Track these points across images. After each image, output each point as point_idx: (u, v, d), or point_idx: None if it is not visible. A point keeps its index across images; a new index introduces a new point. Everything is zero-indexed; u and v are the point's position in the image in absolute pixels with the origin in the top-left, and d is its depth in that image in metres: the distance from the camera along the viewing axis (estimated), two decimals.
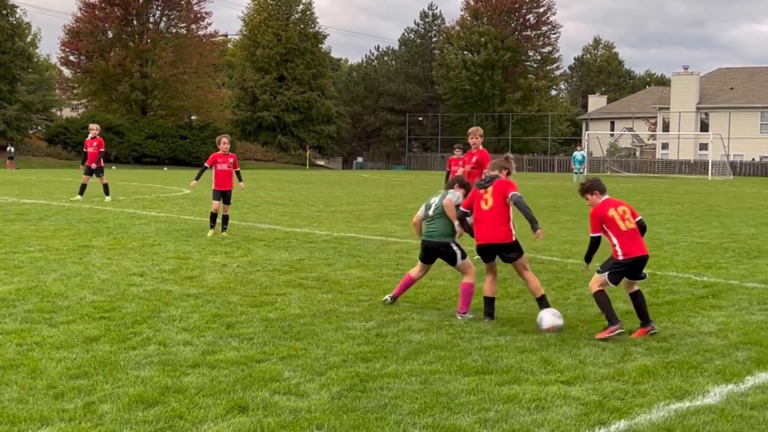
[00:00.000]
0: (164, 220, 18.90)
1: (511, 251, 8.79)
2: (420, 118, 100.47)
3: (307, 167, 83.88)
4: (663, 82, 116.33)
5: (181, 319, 8.47)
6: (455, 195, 9.29)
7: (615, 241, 8.18)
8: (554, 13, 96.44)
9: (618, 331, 7.83)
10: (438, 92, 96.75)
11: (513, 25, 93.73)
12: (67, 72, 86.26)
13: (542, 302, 8.71)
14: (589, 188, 8.50)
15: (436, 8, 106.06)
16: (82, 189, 24.97)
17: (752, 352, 7.57)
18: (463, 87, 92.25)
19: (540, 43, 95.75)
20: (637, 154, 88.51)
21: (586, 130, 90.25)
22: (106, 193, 24.99)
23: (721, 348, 7.69)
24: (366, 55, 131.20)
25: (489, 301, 8.81)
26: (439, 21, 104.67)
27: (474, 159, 13.90)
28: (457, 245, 9.14)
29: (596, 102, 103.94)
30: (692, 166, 75.50)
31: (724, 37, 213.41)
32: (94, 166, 25.00)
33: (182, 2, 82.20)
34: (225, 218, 16.10)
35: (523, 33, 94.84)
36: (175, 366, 6.73)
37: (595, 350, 7.48)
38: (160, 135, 78.62)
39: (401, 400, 6.00)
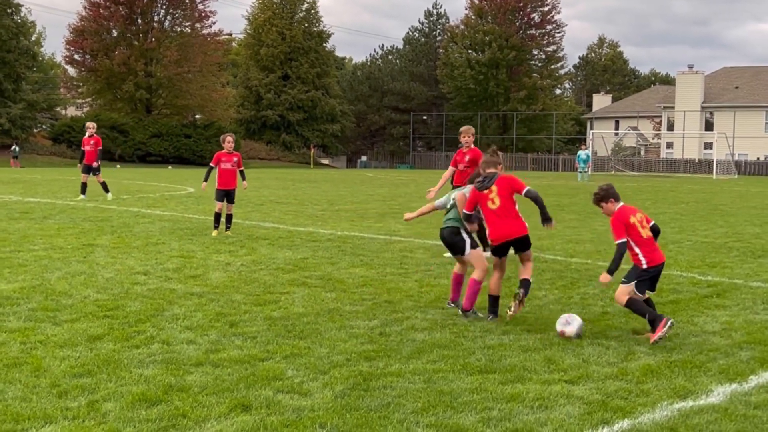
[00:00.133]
0: (168, 219, 18.91)
1: (528, 241, 8.79)
2: (424, 117, 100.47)
3: (311, 166, 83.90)
4: (668, 81, 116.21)
5: (184, 317, 8.48)
6: (464, 195, 9.20)
7: (637, 249, 8.05)
8: (559, 12, 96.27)
9: (669, 324, 7.74)
10: (442, 91, 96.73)
11: (517, 23, 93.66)
12: (71, 71, 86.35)
13: (524, 283, 8.69)
14: (604, 196, 8.29)
15: (441, 7, 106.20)
16: (84, 188, 25.00)
17: (756, 351, 7.56)
18: (468, 86, 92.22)
19: (544, 41, 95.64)
20: (642, 153, 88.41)
21: (591, 129, 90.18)
22: (106, 190, 25.01)
23: (725, 347, 7.68)
24: (370, 54, 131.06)
25: (494, 300, 8.77)
26: (443, 20, 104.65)
27: (467, 158, 13.89)
28: (469, 234, 9.03)
29: (601, 101, 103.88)
30: (697, 165, 75.41)
31: (728, 36, 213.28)
32: (95, 164, 25.03)
33: (187, 1, 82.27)
34: (229, 217, 16.11)
35: (528, 32, 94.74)
36: (178, 364, 6.73)
37: (599, 349, 7.48)
38: (165, 134, 78.71)
39: (404, 399, 6.00)
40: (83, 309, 8.77)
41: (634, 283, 8.02)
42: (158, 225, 17.48)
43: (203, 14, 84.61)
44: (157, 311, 8.75)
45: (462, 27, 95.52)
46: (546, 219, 8.75)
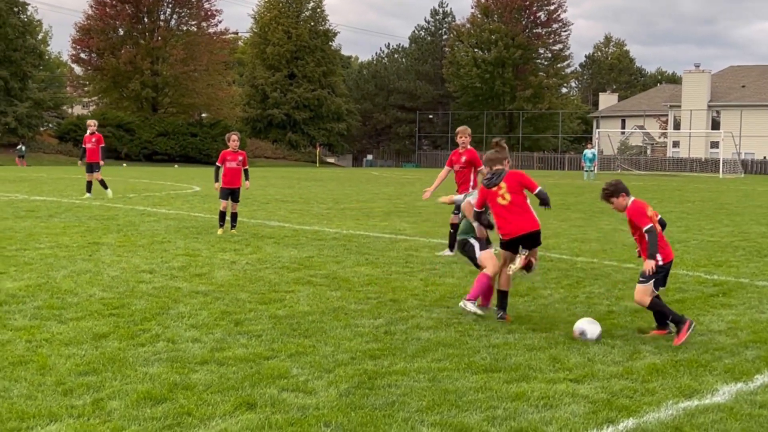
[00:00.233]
0: (174, 218, 18.94)
1: (539, 238, 8.64)
2: (430, 116, 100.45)
3: (317, 165, 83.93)
4: (674, 80, 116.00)
5: (189, 316, 8.48)
6: (475, 196, 9.15)
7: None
8: (565, 11, 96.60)
9: (693, 326, 7.72)
10: (448, 90, 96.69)
11: (524, 22, 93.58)
12: (78, 69, 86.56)
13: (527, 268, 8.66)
14: (614, 191, 8.14)
15: (447, 6, 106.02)
16: (89, 186, 25.04)
17: (762, 350, 7.54)
18: (474, 85, 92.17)
19: (551, 40, 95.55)
20: (648, 152, 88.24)
21: (597, 128, 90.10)
22: (105, 187, 25.05)
23: (731, 346, 7.66)
24: (376, 53, 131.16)
25: (503, 295, 8.68)
26: (449, 18, 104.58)
27: (463, 159, 13.87)
28: (476, 238, 8.99)
29: (607, 100, 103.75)
30: (703, 164, 75.27)
31: (735, 35, 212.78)
32: (102, 163, 25.08)
33: (193, 0, 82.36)
34: (234, 216, 16.12)
35: (534, 30, 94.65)
36: (183, 363, 6.74)
37: (604, 348, 7.46)
38: (171, 132, 78.83)
39: (409, 397, 5.99)
40: (89, 307, 8.78)
41: (653, 281, 7.91)
42: (164, 223, 17.50)
43: (209, 13, 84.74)
44: (162, 309, 8.76)
45: (468, 26, 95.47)
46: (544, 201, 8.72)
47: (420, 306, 9.27)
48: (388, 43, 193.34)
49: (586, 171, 52.59)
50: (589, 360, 7.10)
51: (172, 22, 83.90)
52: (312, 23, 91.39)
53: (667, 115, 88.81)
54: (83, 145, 25.58)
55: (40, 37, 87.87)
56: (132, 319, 8.26)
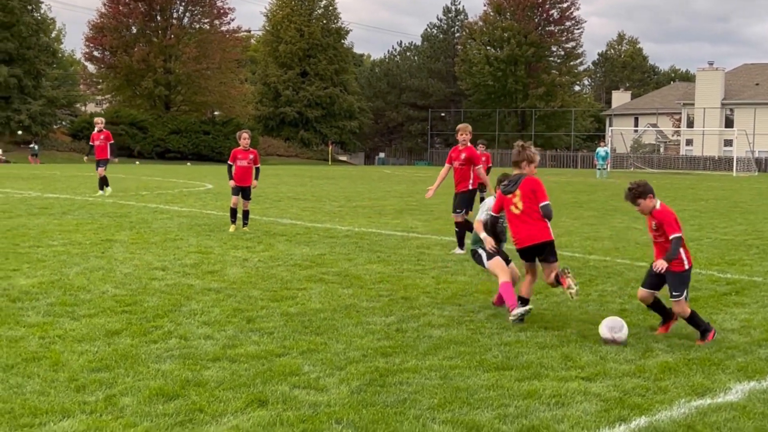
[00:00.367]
0: (186, 215, 18.98)
1: (551, 250, 8.40)
2: (442, 114, 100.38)
3: (329, 163, 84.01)
4: (687, 77, 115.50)
5: (202, 313, 8.50)
6: (488, 209, 8.99)
7: (681, 249, 7.81)
8: (578, 9, 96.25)
9: (714, 336, 7.72)
10: (461, 88, 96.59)
11: (536, 20, 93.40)
12: (91, 67, 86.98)
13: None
14: (643, 192, 7.83)
15: (459, 3, 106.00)
16: (101, 183, 25.12)
17: None
18: (486, 82, 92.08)
19: (563, 38, 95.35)
20: (661, 150, 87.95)
21: (610, 126, 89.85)
22: (106, 184, 25.09)
23: (744, 345, 7.63)
24: (388, 51, 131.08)
25: (523, 301, 8.49)
26: (462, 16, 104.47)
27: (462, 156, 13.85)
28: (484, 248, 8.87)
29: (620, 98, 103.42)
30: (717, 162, 74.92)
31: (748, 33, 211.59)
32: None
33: None
34: (245, 213, 16.15)
35: (547, 28, 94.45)
36: (195, 360, 6.76)
37: (616, 347, 7.44)
38: (184, 130, 79.06)
39: (421, 395, 5.99)
40: (101, 304, 8.81)
41: (684, 293, 7.80)
42: (176, 221, 17.54)
43: (222, 11, 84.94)
44: (174, 306, 8.78)
45: (480, 23, 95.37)
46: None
47: (432, 304, 9.27)
48: (401, 41, 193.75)
49: (599, 169, 52.43)
50: (601, 358, 7.08)
51: (185, 20, 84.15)
52: (324, 21, 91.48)
53: (680, 113, 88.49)
54: (91, 143, 25.67)
55: (53, 35, 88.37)
56: (144, 316, 8.29)
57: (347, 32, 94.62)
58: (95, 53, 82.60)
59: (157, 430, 5.21)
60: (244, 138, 16.17)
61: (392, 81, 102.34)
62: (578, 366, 6.82)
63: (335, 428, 5.31)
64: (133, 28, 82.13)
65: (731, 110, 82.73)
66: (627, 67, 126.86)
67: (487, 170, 21.19)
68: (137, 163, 67.48)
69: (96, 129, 25.52)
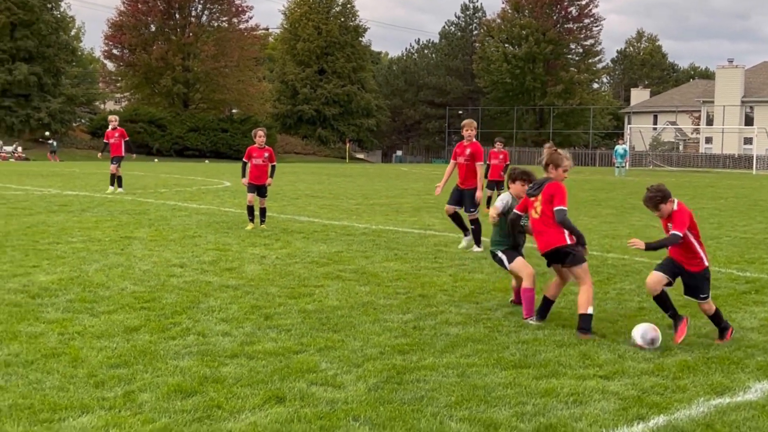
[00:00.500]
0: (205, 212, 19.05)
1: (567, 254, 8.10)
2: (460, 112, 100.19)
3: (347, 160, 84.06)
4: (707, 75, 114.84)
5: (220, 310, 8.53)
6: (501, 201, 8.97)
7: (699, 248, 7.70)
8: (596, 6, 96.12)
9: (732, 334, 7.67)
10: (478, 85, 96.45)
11: (555, 17, 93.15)
12: (110, 65, 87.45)
13: (583, 319, 7.83)
14: (664, 197, 7.64)
15: (477, 1, 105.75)
16: (119, 181, 25.23)
17: None
18: (504, 80, 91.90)
19: (582, 35, 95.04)
20: (681, 148, 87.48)
21: (629, 123, 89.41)
22: (112, 183, 25.20)
23: (763, 344, 7.58)
24: (406, 48, 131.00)
25: (546, 301, 8.39)
26: (480, 14, 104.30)
27: (467, 151, 13.84)
28: (504, 251, 8.74)
29: (639, 95, 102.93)
30: (736, 160, 74.46)
31: None
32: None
33: None
34: (262, 211, 16.17)
35: (565, 26, 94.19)
36: (213, 356, 6.78)
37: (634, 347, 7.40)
38: (202, 128, 79.32)
39: (438, 392, 5.99)
40: (120, 301, 8.85)
41: (710, 294, 7.74)
42: (195, 218, 17.60)
43: (240, 9, 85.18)
44: (193, 303, 8.81)
45: (499, 21, 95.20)
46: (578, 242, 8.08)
47: (449, 301, 9.26)
48: (418, 39, 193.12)
49: (618, 167, 52.24)
50: (619, 357, 7.05)
51: (204, 18, 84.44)
52: (342, 19, 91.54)
53: (699, 111, 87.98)
54: (105, 140, 25.82)
55: (73, 33, 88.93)
56: (163, 313, 8.32)
57: (365, 30, 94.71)
58: (114, 51, 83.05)
59: (176, 426, 5.23)
60: (260, 136, 16.19)
61: (410, 79, 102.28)
62: (596, 364, 6.80)
63: (352, 425, 5.31)
64: (151, 26, 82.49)
65: (751, 108, 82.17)
66: (646, 65, 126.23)
67: (505, 168, 21.17)
68: (156, 160, 67.74)
69: (110, 127, 25.67)
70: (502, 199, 9.01)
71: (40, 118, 71.81)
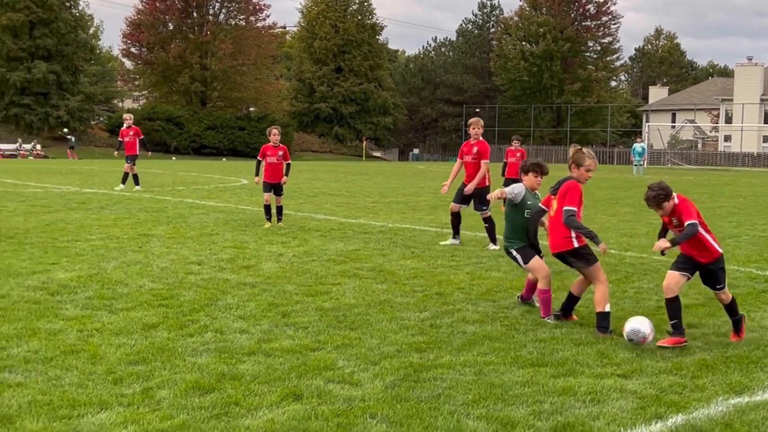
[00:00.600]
0: (222, 210, 19.10)
1: (573, 258, 8.09)
2: (477, 110, 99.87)
3: (364, 159, 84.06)
4: (726, 73, 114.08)
5: (237, 307, 8.55)
6: (513, 188, 8.86)
7: (709, 237, 7.60)
8: (614, 3, 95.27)
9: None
10: (496, 83, 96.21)
11: (572, 15, 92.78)
12: (128, 63, 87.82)
13: (601, 318, 7.79)
14: (667, 194, 7.54)
15: None
16: (136, 179, 25.37)
17: None
18: (521, 78, 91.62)
19: (600, 33, 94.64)
20: (699, 146, 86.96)
21: (647, 121, 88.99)
22: (123, 182, 25.32)
23: None
24: (423, 46, 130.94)
25: (571, 297, 8.34)
26: (497, 12, 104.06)
27: (474, 150, 13.85)
28: (518, 250, 8.62)
29: (657, 93, 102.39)
30: (755, 158, 73.93)
31: None
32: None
33: None
34: (279, 209, 16.20)
35: (583, 23, 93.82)
36: (231, 353, 6.80)
37: (653, 344, 7.37)
38: (219, 126, 79.52)
39: (455, 390, 5.98)
40: (138, 298, 8.90)
41: (726, 283, 7.68)
42: (212, 216, 17.66)
43: (258, 7, 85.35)
44: (210, 301, 8.84)
45: (516, 18, 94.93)
46: (594, 242, 7.98)
47: (466, 299, 9.25)
48: (435, 37, 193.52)
49: (636, 165, 52.02)
50: (637, 355, 7.02)
51: (221, 16, 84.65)
52: (359, 17, 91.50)
53: (718, 109, 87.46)
54: (120, 138, 25.97)
55: (91, 31, 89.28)
56: (181, 310, 8.35)
57: (382, 28, 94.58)
58: (132, 49, 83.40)
59: (194, 422, 5.26)
60: (274, 134, 16.21)
61: (427, 77, 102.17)
62: (614, 363, 6.78)
63: (369, 423, 5.32)
64: (169, 24, 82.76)
65: None
66: (664, 63, 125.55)
67: None
68: (174, 158, 67.96)
69: (125, 125, 25.83)
70: (514, 188, 8.82)
71: (58, 116, 72.24)
